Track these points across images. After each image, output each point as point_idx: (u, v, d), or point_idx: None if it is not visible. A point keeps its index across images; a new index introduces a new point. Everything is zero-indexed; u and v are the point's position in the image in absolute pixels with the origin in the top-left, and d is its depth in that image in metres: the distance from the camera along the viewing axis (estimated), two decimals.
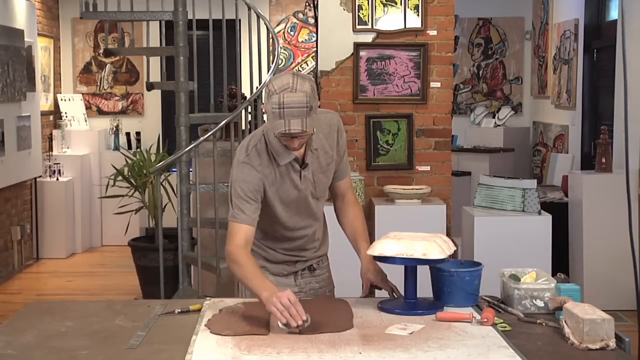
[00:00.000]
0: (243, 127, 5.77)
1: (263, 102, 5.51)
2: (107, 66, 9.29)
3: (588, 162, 7.31)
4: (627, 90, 3.01)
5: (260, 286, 2.72)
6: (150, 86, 6.19)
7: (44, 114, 8.46)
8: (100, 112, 9.29)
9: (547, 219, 5.53)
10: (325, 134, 3.02)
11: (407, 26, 5.91)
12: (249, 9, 5.80)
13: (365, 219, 3.24)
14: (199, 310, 2.87)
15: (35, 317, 2.83)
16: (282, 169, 2.93)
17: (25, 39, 7.69)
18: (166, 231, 5.66)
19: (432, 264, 2.86)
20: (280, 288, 2.72)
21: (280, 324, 2.58)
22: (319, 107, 2.98)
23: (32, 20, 8.00)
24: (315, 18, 6.24)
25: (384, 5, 5.90)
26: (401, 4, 5.90)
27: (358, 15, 5.91)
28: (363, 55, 5.93)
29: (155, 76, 6.85)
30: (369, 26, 5.92)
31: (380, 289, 3.09)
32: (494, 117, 9.08)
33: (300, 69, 9.26)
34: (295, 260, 3.14)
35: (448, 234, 5.56)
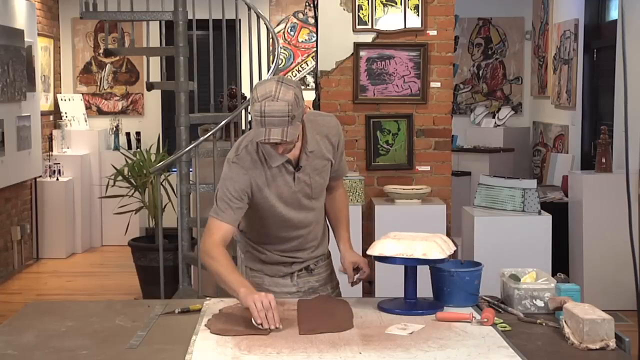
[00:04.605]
0: (243, 127, 5.77)
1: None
2: (107, 66, 9.29)
3: (588, 162, 7.30)
4: (627, 90, 3.01)
5: (237, 282, 2.73)
6: (150, 86, 6.19)
7: (44, 114, 8.46)
8: (100, 112, 9.29)
9: (547, 219, 5.53)
10: (322, 137, 3.00)
11: (407, 26, 5.91)
12: (249, 9, 5.81)
13: (349, 207, 3.26)
14: (199, 310, 2.87)
15: (35, 317, 2.83)
16: (275, 170, 2.91)
17: (25, 39, 7.69)
18: (166, 231, 5.66)
19: (432, 264, 2.86)
20: (258, 292, 2.70)
21: (254, 322, 2.61)
22: (319, 108, 2.99)
23: (32, 20, 8.00)
24: (315, 18, 6.24)
25: (384, 5, 5.90)
26: (401, 4, 5.89)
27: (358, 15, 5.91)
28: (363, 55, 5.92)
29: (155, 76, 6.86)
30: (369, 26, 5.92)
31: (364, 274, 3.13)
32: (494, 117, 9.08)
33: (300, 69, 9.26)
34: (291, 261, 3.12)
35: (448, 234, 5.56)
